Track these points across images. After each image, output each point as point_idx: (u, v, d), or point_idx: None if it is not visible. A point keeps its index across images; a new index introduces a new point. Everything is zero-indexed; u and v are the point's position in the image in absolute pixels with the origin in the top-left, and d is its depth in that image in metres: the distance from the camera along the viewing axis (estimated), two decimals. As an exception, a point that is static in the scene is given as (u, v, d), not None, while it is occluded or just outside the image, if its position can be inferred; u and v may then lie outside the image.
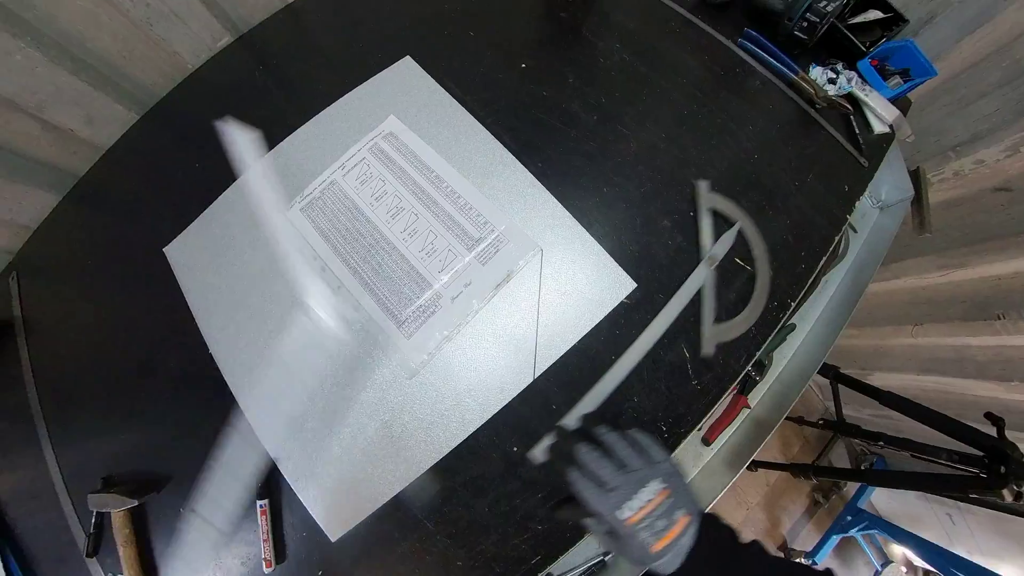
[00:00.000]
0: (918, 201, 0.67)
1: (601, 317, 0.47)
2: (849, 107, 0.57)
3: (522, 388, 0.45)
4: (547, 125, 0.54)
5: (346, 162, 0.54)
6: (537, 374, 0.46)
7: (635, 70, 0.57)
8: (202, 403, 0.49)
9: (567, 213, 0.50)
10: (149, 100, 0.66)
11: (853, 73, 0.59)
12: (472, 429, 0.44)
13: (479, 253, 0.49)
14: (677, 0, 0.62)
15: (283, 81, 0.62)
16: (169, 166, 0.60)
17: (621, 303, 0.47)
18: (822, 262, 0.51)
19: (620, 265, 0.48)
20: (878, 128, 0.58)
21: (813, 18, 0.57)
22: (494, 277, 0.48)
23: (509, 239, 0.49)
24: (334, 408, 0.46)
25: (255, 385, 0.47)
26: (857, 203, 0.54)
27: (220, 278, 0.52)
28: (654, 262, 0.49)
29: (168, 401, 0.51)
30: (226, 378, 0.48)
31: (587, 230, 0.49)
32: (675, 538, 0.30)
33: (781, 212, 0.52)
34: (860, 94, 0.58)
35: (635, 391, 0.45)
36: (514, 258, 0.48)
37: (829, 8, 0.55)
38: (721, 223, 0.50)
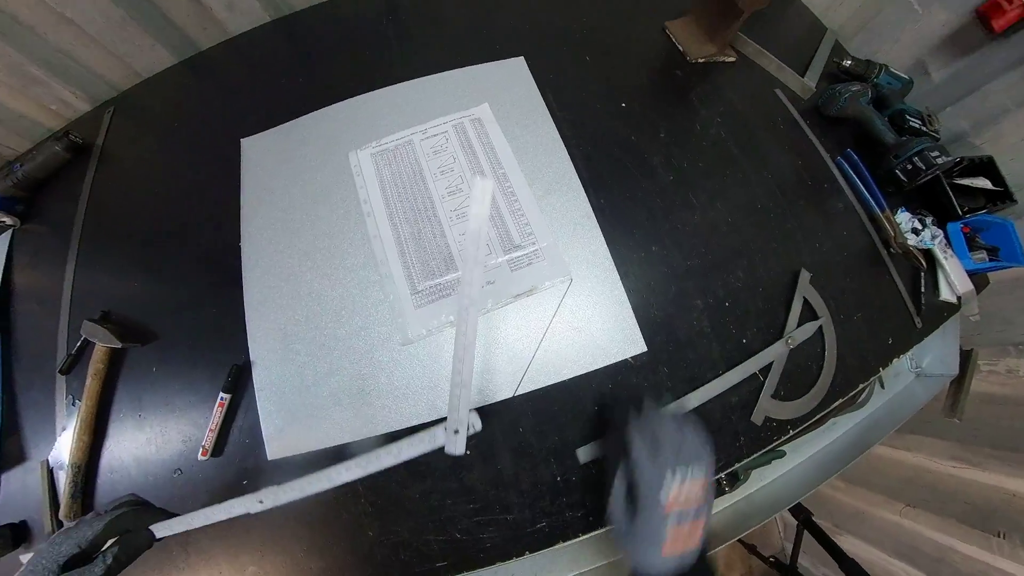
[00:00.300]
0: (959, 383, 0.63)
1: (600, 365, 0.46)
2: (923, 263, 0.55)
3: (498, 399, 0.45)
4: (623, 167, 0.54)
5: (429, 128, 0.56)
6: (518, 392, 0.45)
7: (726, 148, 0.57)
8: (214, 286, 0.51)
9: (609, 255, 0.50)
10: (285, 9, 0.70)
11: (940, 232, 0.56)
12: (437, 416, 0.44)
13: (513, 259, 0.49)
14: (791, 98, 0.62)
15: (404, 36, 0.65)
16: (276, 71, 0.64)
17: (625, 360, 0.46)
18: (837, 403, 0.49)
19: (639, 325, 0.47)
20: (945, 295, 0.56)
21: (920, 164, 0.55)
22: (518, 286, 0.48)
23: (545, 257, 0.49)
24: (323, 341, 0.47)
25: (264, 290, 0.49)
26: (895, 360, 0.51)
27: (277, 183, 0.54)
28: (671, 335, 0.48)
29: (187, 271, 0.53)
30: (243, 273, 0.50)
31: (621, 279, 0.49)
32: (687, 545, 0.29)
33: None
34: (939, 255, 0.56)
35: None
36: (543, 276, 0.48)
37: (939, 160, 0.53)
38: (807, 313, 0.49)
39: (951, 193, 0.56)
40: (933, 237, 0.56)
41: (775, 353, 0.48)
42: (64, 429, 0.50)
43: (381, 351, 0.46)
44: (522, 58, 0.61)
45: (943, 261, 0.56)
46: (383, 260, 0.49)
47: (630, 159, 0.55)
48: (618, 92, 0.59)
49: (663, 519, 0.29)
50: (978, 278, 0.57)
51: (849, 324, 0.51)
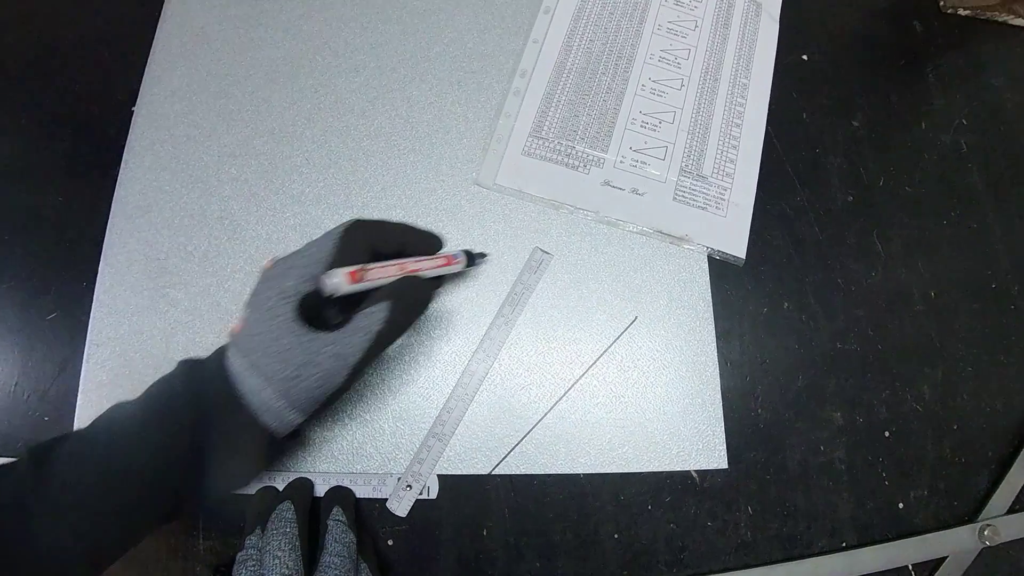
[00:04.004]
0: None
1: (640, 469, 0.27)
2: None
3: (466, 472, 0.27)
4: (773, 150, 0.33)
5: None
6: (495, 471, 0.28)
7: (963, 172, 0.34)
8: (74, 164, 0.31)
9: (709, 294, 0.30)
10: None
11: None
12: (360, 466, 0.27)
13: (685, 185, 0.32)
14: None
15: None
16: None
17: (686, 474, 0.28)
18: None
19: (725, 424, 0.28)
20: None
21: None
22: (668, 221, 0.32)
23: (728, 213, 0.32)
24: (224, 296, 0.30)
25: (150, 191, 0.31)
26: None
27: (218, 33, 0.34)
28: (776, 457, 0.28)
29: (40, 129, 0.31)
30: (125, 155, 0.30)
31: (718, 338, 0.30)
32: None
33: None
34: None
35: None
36: (708, 234, 0.32)
37: None
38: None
39: None
40: None
41: (954, 543, 0.28)
42: None
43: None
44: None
45: None
46: (517, 91, 0.34)
47: (789, 143, 0.34)
48: (804, 35, 0.37)
49: None
50: None
51: None
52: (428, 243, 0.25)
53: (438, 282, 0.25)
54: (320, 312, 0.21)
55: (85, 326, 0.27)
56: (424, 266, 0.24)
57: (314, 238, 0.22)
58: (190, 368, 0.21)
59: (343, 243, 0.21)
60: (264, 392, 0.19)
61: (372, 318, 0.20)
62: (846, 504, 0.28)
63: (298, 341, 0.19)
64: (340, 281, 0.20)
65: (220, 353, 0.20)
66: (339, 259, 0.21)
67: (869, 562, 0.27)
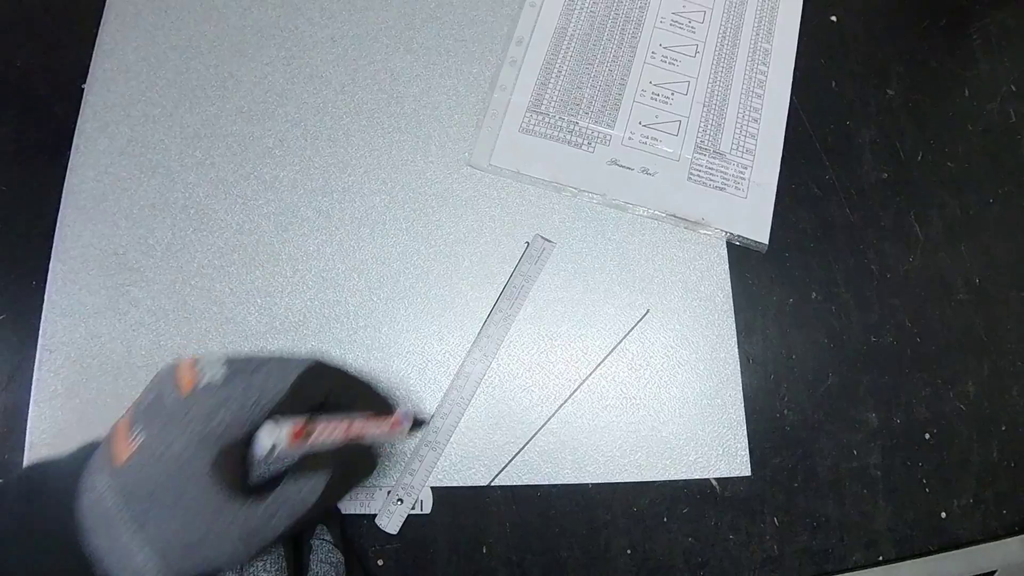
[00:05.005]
0: None
1: (654, 478, 0.26)
2: None
3: (463, 483, 0.26)
4: (799, 126, 0.31)
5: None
6: (495, 482, 0.26)
7: (1013, 145, 0.32)
8: (21, 148, 0.27)
9: (729, 283, 0.28)
10: None
11: None
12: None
13: (701, 164, 0.30)
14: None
15: None
16: None
17: (705, 482, 0.26)
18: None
19: (747, 427, 0.26)
20: None
21: None
22: (683, 204, 0.29)
23: (749, 194, 0.30)
24: (191, 295, 0.27)
25: (106, 178, 0.29)
26: None
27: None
28: (804, 463, 0.27)
29: None
30: (76, 140, 0.28)
31: (738, 333, 0.27)
32: None
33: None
34: None
35: None
36: (726, 218, 0.30)
37: None
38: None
39: None
40: None
41: (1003, 557, 0.26)
42: None
43: (295, 337, 0.28)
44: None
45: None
46: (513, 61, 0.32)
47: (816, 115, 0.32)
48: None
49: None
50: None
51: None
52: (383, 407, 0.21)
53: (378, 448, 0.22)
54: (240, 461, 0.17)
55: (36, 330, 0.26)
56: (370, 429, 0.20)
57: (259, 355, 0.18)
58: (31, 483, 0.16)
59: (296, 388, 0.17)
60: (136, 557, 0.14)
61: (307, 491, 0.17)
62: (883, 514, 0.27)
63: (207, 503, 0.15)
64: (282, 442, 0.16)
65: (76, 472, 0.15)
66: (287, 405, 0.17)
67: (909, 577, 0.25)
